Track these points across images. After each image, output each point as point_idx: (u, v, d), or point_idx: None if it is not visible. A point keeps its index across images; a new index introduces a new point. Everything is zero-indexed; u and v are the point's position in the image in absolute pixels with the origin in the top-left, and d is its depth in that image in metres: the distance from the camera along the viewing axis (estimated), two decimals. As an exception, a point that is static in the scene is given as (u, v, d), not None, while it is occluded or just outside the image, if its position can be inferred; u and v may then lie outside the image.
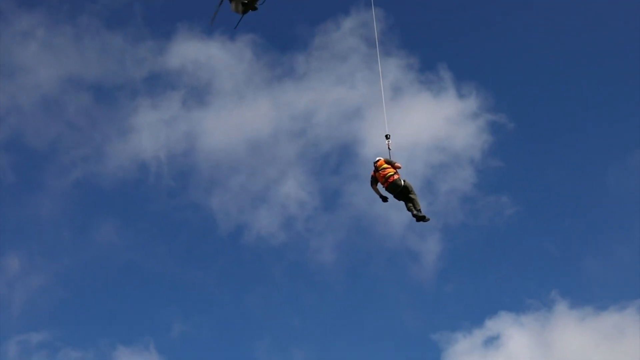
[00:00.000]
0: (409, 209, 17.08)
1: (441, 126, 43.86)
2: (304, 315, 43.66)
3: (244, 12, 20.67)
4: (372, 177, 17.46)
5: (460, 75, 45.93)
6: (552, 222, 45.75)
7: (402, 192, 17.04)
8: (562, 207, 45.93)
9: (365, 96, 44.65)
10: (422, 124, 42.80)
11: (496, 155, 43.97)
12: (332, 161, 45.44)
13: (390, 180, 17.04)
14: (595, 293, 43.79)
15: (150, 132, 45.17)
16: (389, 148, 17.57)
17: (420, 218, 16.97)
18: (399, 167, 17.22)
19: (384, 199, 17.33)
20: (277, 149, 45.74)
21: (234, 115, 46.07)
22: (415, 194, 17.10)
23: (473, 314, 45.38)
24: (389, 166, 17.23)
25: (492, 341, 43.43)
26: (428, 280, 42.80)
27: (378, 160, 17.39)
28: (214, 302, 44.95)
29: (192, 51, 46.35)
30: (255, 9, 20.65)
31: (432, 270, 43.89)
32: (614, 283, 44.62)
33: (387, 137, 17.73)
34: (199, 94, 45.96)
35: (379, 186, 17.35)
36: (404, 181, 17.04)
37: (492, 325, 43.77)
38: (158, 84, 46.72)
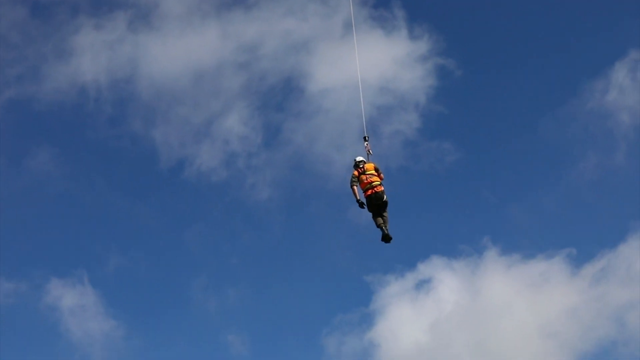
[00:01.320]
0: (378, 225, 16.34)
1: (389, 67, 43.50)
2: (241, 254, 43.76)
3: None
4: (355, 176, 16.39)
5: (414, 16, 45.41)
6: (490, 170, 46.78)
7: (379, 206, 16.25)
8: (501, 155, 46.91)
9: (315, 29, 43.73)
10: (371, 62, 42.10)
11: (441, 101, 44.18)
12: (276, 96, 44.71)
13: (377, 190, 16.19)
14: (525, 241, 45.40)
15: (91, 55, 43.25)
16: (368, 152, 16.57)
17: (388, 239, 16.35)
18: (383, 179, 16.45)
19: (361, 205, 16.28)
20: (222, 80, 44.61)
21: (180, 42, 44.49)
22: (387, 212, 16.40)
23: (406, 258, 46.28)
24: (376, 174, 16.40)
25: (423, 284, 44.75)
26: (365, 223, 43.33)
27: (366, 162, 16.50)
28: (151, 237, 44.44)
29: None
30: None
31: (369, 213, 44.20)
32: (543, 232, 46.28)
33: (365, 139, 16.67)
34: (145, 16, 44.02)
35: (358, 190, 16.38)
36: (385, 196, 16.22)
37: (424, 269, 44.98)
38: (103, 2, 44.49)
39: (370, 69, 41.73)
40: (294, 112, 43.80)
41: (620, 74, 41.75)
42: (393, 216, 16.49)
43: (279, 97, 44.31)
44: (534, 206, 43.56)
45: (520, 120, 46.65)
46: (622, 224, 40.56)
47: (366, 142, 16.71)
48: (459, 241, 42.92)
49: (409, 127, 42.66)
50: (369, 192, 16.23)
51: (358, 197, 16.29)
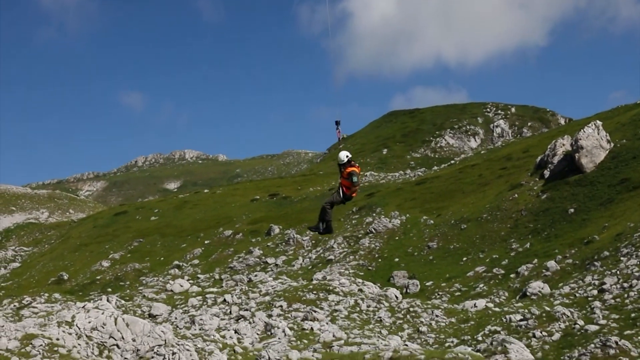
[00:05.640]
0: (329, 219, 16.71)
1: None
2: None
3: None
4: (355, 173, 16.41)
5: None
6: None
7: (337, 206, 16.71)
8: None
9: None
10: None
11: None
12: None
13: (355, 194, 16.51)
14: None
15: None
16: (339, 138, 16.36)
17: (328, 232, 16.98)
18: None
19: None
20: None
21: None
22: None
23: None
24: None
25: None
26: None
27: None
28: None
29: None
30: None
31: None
32: None
33: (337, 123, 16.22)
34: None
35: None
36: None
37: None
38: None
39: None
40: None
41: None
42: None
43: None
44: None
45: None
46: None
47: (338, 127, 16.34)
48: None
49: None
50: (355, 194, 16.45)
51: (350, 185, 16.36)
